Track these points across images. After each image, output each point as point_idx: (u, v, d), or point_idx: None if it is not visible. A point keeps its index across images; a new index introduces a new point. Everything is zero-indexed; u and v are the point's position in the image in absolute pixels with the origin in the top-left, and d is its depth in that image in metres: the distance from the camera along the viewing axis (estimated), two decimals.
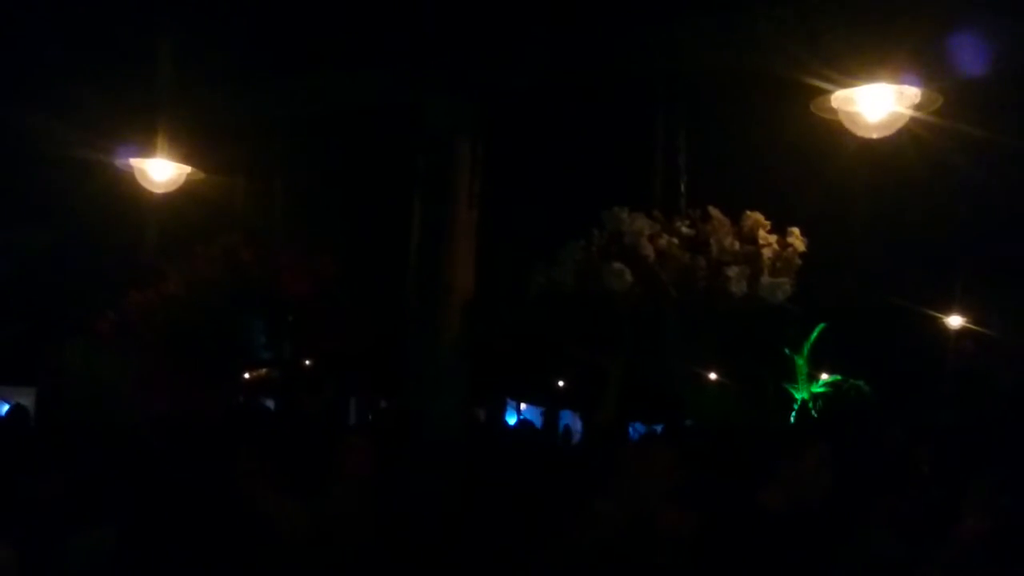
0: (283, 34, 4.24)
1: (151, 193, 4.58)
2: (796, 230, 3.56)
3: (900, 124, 3.43)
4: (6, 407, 9.10)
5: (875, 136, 3.47)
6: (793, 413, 10.82)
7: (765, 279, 3.39)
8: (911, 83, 3.33)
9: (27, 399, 8.21)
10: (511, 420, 13.72)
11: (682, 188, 3.82)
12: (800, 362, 10.70)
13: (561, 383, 15.57)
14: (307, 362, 5.77)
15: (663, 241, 3.45)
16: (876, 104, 3.39)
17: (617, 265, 3.38)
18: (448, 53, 4.03)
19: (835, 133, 3.58)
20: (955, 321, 10.27)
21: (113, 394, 6.41)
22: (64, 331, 7.02)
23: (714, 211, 3.56)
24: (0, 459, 4.63)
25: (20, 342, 7.54)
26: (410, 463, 4.01)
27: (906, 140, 3.60)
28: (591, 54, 3.92)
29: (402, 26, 3.99)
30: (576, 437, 10.47)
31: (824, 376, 11.15)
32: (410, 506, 3.90)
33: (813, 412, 10.68)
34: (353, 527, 3.66)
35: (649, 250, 3.41)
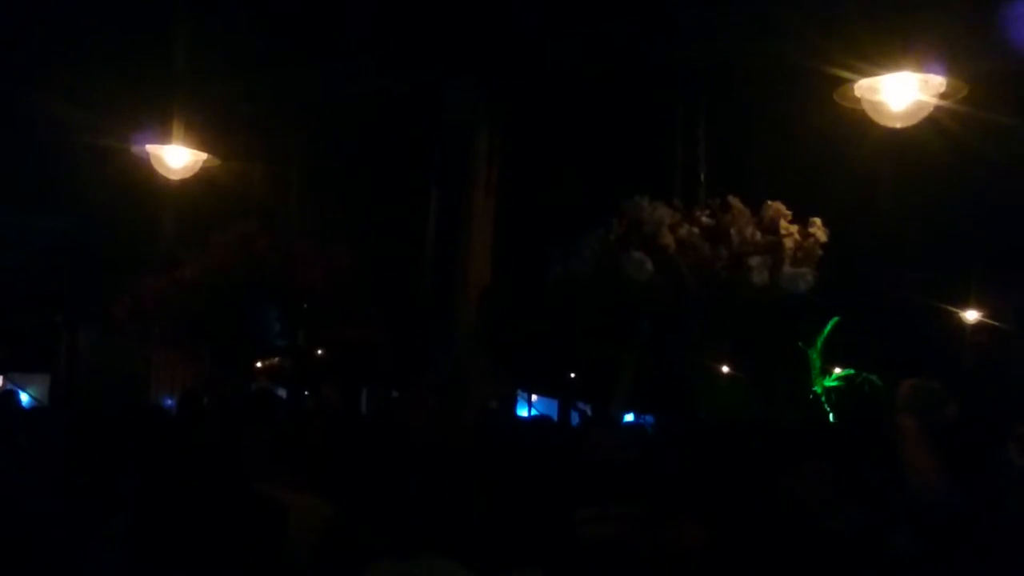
0: (301, 21, 4.21)
1: (167, 180, 4.56)
2: (818, 220, 3.53)
3: (924, 113, 3.38)
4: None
5: (899, 125, 3.42)
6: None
7: (787, 269, 3.36)
8: (935, 71, 3.28)
9: (42, 385, 8.25)
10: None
11: (702, 178, 3.79)
12: (814, 355, 10.64)
13: (573, 374, 15.52)
14: (319, 351, 5.77)
15: (684, 231, 3.42)
16: (900, 93, 3.34)
17: (638, 254, 3.35)
18: (470, 40, 4.00)
19: (858, 123, 3.53)
20: (971, 315, 10.19)
21: (127, 379, 6.43)
22: (79, 317, 7.04)
23: (734, 201, 3.52)
24: None
25: (35, 328, 7.55)
26: (422, 452, 3.99)
27: (930, 130, 3.55)
28: (612, 42, 3.89)
29: (424, 13, 3.96)
30: None
31: (837, 370, 11.08)
32: (421, 496, 3.87)
33: (826, 406, 10.62)
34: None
35: (670, 240, 3.38)
